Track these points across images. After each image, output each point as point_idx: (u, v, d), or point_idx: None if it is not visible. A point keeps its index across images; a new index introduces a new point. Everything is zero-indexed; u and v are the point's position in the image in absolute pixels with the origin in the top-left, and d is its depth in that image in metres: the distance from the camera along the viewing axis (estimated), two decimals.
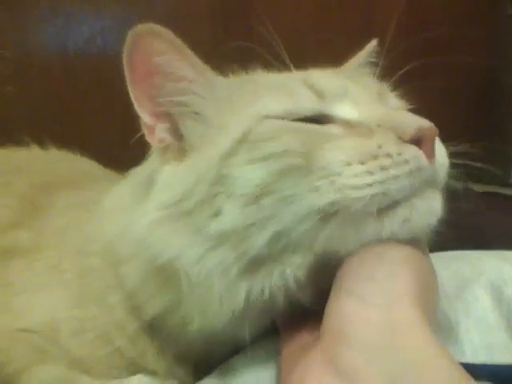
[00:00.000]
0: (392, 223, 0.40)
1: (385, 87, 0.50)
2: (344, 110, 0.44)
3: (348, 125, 0.43)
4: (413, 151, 0.40)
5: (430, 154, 0.40)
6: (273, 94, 0.45)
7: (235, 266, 0.42)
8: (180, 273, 0.43)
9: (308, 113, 0.44)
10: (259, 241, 0.41)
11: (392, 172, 0.39)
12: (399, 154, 0.40)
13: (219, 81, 0.48)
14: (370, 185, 0.39)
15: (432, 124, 0.41)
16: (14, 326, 0.51)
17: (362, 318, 0.37)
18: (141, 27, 0.45)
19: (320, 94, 0.45)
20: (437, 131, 0.41)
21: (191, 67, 0.46)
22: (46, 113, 1.23)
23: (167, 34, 0.45)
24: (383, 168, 0.40)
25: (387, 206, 0.40)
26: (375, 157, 0.40)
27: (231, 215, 0.41)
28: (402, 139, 0.40)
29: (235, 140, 0.42)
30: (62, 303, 0.52)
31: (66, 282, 0.52)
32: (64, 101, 1.23)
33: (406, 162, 0.40)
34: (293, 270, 0.42)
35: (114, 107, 1.22)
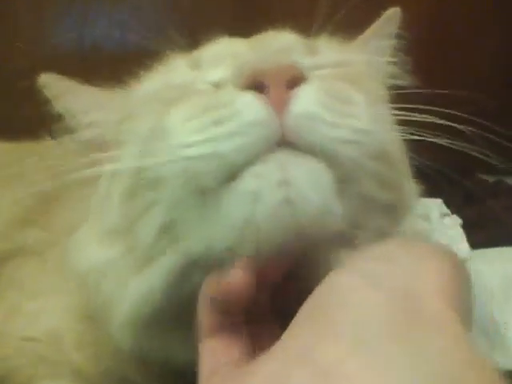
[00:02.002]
0: (236, 202, 0.30)
1: (320, 41, 0.43)
2: (215, 75, 0.37)
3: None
4: (246, 99, 0.30)
5: (277, 102, 0.30)
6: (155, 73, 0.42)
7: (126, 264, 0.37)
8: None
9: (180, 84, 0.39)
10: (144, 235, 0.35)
11: (225, 127, 0.30)
12: (231, 104, 0.31)
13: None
14: (200, 142, 0.31)
15: (285, 62, 0.32)
16: (22, 334, 0.50)
17: (365, 300, 0.25)
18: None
19: (195, 65, 0.40)
20: (290, 72, 0.31)
21: (89, 101, 0.45)
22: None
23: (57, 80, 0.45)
24: (216, 122, 0.31)
25: (228, 177, 0.30)
26: (210, 109, 0.32)
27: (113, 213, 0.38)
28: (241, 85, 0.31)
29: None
30: (67, 313, 0.49)
31: (71, 289, 0.49)
32: None
33: (238, 112, 0.30)
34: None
35: None
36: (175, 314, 0.35)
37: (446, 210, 0.71)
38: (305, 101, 0.30)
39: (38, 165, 0.67)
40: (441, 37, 1.18)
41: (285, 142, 0.30)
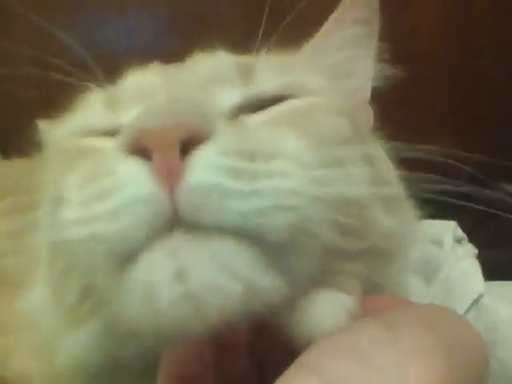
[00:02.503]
0: (132, 290, 0.25)
1: (257, 61, 0.35)
2: (124, 119, 0.32)
3: None
4: (128, 168, 0.25)
5: (165, 173, 0.24)
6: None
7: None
8: None
9: (94, 128, 0.33)
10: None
11: (106, 203, 0.25)
12: (113, 174, 0.25)
13: None
14: (83, 221, 0.26)
15: (176, 120, 0.24)
16: None
17: None
18: None
19: (110, 104, 0.34)
20: (183, 131, 0.24)
21: None
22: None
23: None
24: (98, 196, 0.25)
25: (124, 260, 0.25)
26: (96, 178, 0.26)
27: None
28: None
29: None
30: (34, 351, 0.46)
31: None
32: None
33: (121, 185, 0.25)
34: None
35: None
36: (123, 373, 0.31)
37: (461, 233, 0.65)
38: (202, 169, 0.24)
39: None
40: None
41: (180, 222, 0.24)
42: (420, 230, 0.67)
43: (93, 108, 0.34)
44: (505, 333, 0.48)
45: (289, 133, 0.28)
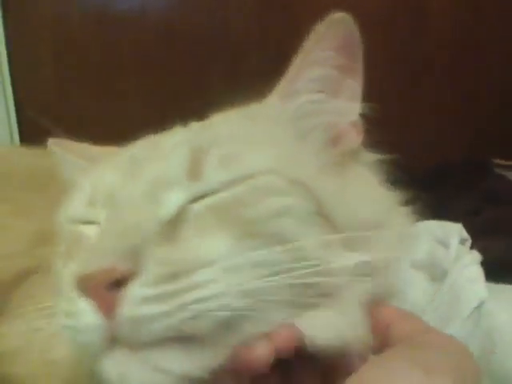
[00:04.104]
0: (104, 371, 0.33)
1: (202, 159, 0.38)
2: (102, 216, 0.38)
3: None
4: (81, 304, 0.33)
5: (104, 307, 0.32)
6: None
7: None
8: None
9: (79, 217, 0.40)
10: None
11: (72, 321, 0.33)
12: (73, 303, 0.33)
13: None
14: (68, 317, 0.34)
15: (105, 267, 0.31)
16: (44, 355, 0.50)
17: None
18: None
19: (90, 200, 0.40)
20: (112, 275, 0.31)
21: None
22: (83, 81, 1.21)
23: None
24: (67, 314, 0.34)
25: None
26: (65, 297, 0.35)
27: None
28: None
29: None
30: None
31: None
32: (102, 70, 1.21)
33: (77, 313, 0.33)
34: None
35: (152, 76, 1.21)
36: None
37: (465, 235, 0.70)
38: (130, 303, 0.31)
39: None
40: None
41: (120, 340, 0.32)
42: (422, 231, 0.72)
43: (79, 200, 0.40)
44: (504, 335, 0.53)
45: (218, 234, 0.34)
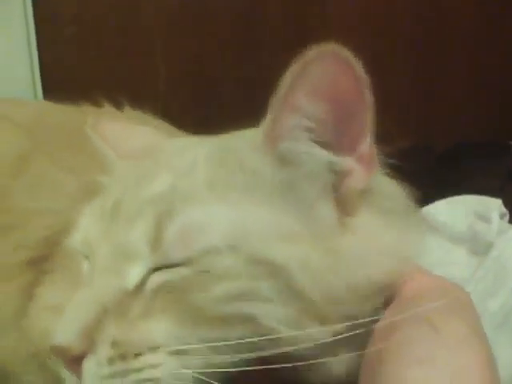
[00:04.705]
0: None
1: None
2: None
3: None
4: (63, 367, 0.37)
5: (76, 373, 0.35)
6: None
7: None
8: None
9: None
10: None
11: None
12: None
13: None
14: None
15: (68, 345, 0.34)
16: None
17: None
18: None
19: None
20: (72, 351, 0.34)
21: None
22: (108, 52, 1.20)
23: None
24: None
25: None
26: None
27: None
28: None
29: None
30: None
31: None
32: (125, 31, 1.20)
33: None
34: None
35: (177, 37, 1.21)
36: None
37: (504, 210, 0.71)
38: (87, 375, 0.34)
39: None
40: None
41: None
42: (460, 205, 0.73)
43: (77, 237, 0.41)
44: None
45: (165, 316, 0.35)
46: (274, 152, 0.37)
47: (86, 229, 0.40)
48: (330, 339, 0.34)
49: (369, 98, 0.36)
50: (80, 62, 1.16)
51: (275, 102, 0.36)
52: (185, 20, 1.21)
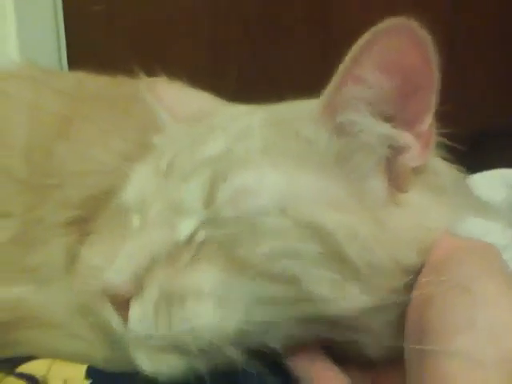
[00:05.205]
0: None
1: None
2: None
3: None
4: (110, 310, 0.38)
5: (122, 315, 0.37)
6: None
7: None
8: None
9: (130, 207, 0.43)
10: None
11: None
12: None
13: None
14: None
15: (119, 285, 0.36)
16: None
17: None
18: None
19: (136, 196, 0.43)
20: (120, 297, 0.36)
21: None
22: (135, 33, 1.20)
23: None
24: None
25: None
26: None
27: None
28: None
29: None
30: None
31: None
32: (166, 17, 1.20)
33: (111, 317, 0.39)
34: None
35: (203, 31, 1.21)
36: None
37: None
38: (133, 319, 0.36)
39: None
40: None
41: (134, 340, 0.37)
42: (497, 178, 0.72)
43: (129, 192, 0.43)
44: None
45: (213, 267, 0.36)
46: (333, 122, 0.37)
47: (140, 185, 0.41)
48: (370, 306, 0.35)
49: (437, 75, 0.36)
50: (106, 37, 1.17)
51: (339, 72, 0.36)
52: None
